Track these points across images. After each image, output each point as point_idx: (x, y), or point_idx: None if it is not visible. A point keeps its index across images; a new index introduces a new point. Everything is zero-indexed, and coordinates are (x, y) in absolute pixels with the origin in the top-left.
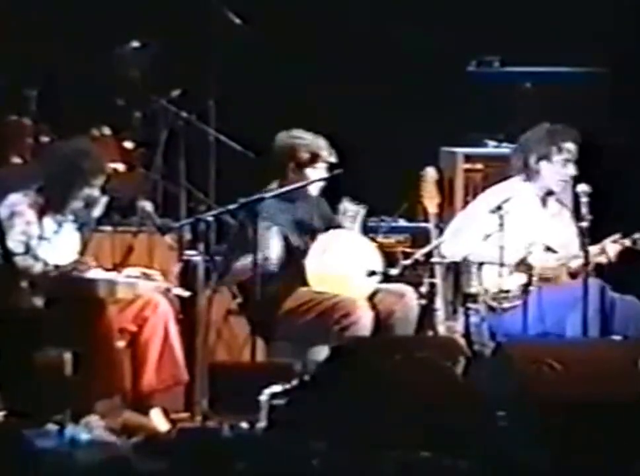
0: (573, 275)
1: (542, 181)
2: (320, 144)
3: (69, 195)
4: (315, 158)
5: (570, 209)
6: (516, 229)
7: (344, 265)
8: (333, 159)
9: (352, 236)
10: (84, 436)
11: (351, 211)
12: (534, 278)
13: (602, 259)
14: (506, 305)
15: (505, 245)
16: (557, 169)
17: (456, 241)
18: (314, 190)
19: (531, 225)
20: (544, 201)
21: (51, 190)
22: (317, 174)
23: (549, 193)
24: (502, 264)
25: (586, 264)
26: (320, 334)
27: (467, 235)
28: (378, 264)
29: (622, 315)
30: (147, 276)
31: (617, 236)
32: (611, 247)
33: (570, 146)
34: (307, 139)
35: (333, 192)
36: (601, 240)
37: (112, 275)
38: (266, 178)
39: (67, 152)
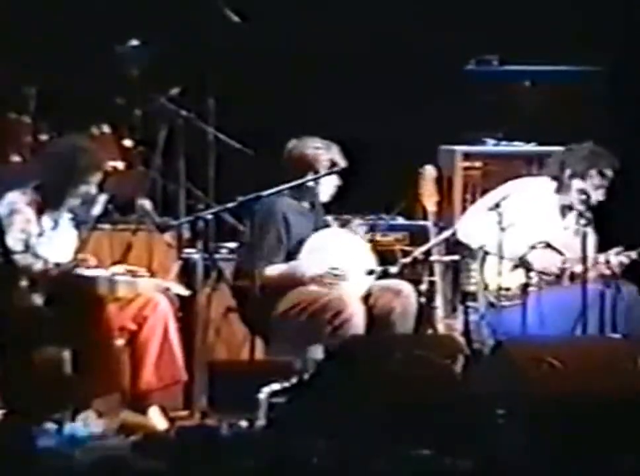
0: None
1: (568, 195)
2: (335, 150)
3: (66, 192)
4: (333, 165)
5: (589, 229)
6: (525, 228)
7: (338, 264)
8: (344, 164)
9: (345, 234)
10: (81, 432)
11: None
12: (535, 279)
13: (605, 270)
14: (505, 303)
15: (509, 242)
16: (587, 190)
17: (474, 226)
18: (324, 195)
19: (542, 228)
20: (563, 212)
21: (48, 188)
22: (331, 180)
23: (571, 207)
24: (501, 259)
25: (585, 266)
26: (315, 335)
27: (484, 222)
28: (371, 262)
29: (625, 313)
30: (132, 273)
31: (620, 248)
32: (615, 259)
33: (608, 173)
34: (324, 148)
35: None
36: (606, 251)
37: (98, 272)
38: (276, 180)
39: (62, 149)
